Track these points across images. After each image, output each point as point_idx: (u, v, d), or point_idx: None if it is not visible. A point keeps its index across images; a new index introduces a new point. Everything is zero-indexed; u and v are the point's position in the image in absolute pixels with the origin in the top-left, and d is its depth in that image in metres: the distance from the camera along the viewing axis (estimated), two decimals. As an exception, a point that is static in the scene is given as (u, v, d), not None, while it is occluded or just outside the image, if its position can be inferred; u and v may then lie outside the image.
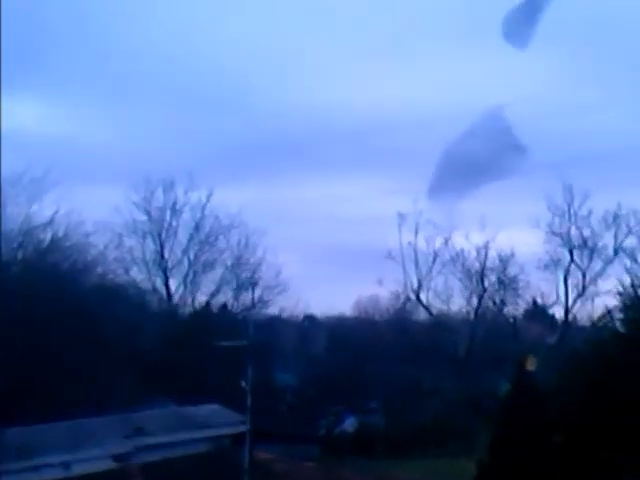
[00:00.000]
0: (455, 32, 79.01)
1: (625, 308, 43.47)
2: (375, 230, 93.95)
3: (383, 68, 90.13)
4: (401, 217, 67.59)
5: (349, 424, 61.21)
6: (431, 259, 69.03)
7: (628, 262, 61.53)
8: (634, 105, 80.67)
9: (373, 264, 71.29)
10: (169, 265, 68.02)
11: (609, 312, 55.56)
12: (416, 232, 68.21)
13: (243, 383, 55.87)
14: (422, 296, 70.22)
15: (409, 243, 68.40)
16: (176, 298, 68.49)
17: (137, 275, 67.74)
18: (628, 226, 65.62)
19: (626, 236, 65.63)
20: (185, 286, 68.16)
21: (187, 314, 68.39)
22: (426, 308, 70.79)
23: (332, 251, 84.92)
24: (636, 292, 42.37)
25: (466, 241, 68.21)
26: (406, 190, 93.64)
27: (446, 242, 68.60)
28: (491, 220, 65.97)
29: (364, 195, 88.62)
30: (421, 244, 68.74)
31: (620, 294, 43.49)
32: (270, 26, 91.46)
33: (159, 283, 68.25)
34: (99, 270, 63.54)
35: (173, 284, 68.57)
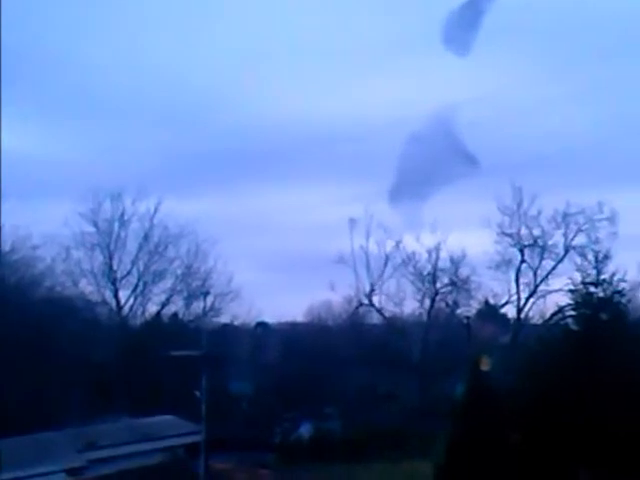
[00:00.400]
0: (403, 40, 79.19)
1: (577, 305, 43.62)
2: (326, 236, 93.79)
3: (332, 79, 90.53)
4: (352, 222, 67.61)
5: (305, 430, 60.98)
6: (383, 263, 69.04)
7: (578, 260, 61.74)
8: (581, 106, 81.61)
9: (325, 270, 71.01)
10: (118, 276, 67.43)
11: (561, 310, 55.93)
12: (367, 236, 68.34)
13: (197, 393, 55.68)
14: (375, 300, 70.29)
15: (360, 247, 68.47)
16: (126, 309, 68.02)
17: (86, 287, 67.21)
18: (577, 224, 66.12)
19: (576, 234, 66.15)
20: (135, 297, 67.74)
21: (138, 325, 68.06)
22: (379, 311, 70.81)
23: (284, 258, 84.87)
24: (587, 289, 42.48)
25: (417, 243, 68.34)
26: (357, 196, 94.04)
27: (397, 245, 68.73)
28: (442, 222, 66.10)
29: (315, 202, 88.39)
30: (372, 248, 68.80)
31: (571, 292, 43.62)
32: (224, 35, 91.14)
33: (109, 295, 67.72)
34: (47, 283, 63.15)
35: (123, 295, 68.10)
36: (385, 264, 68.98)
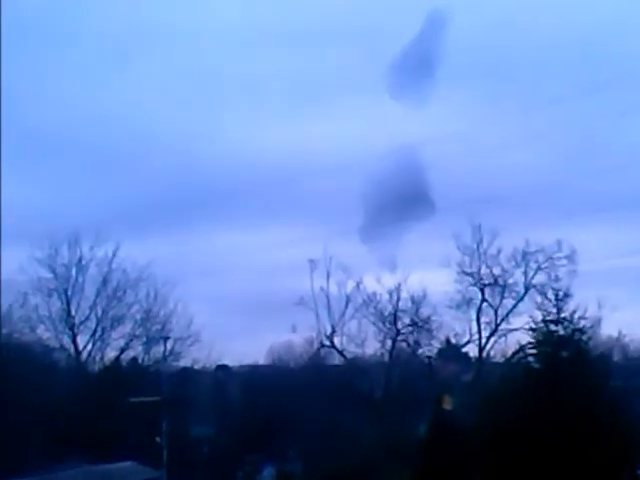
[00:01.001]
0: (362, 79, 79.59)
1: (538, 344, 43.65)
2: (286, 277, 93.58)
3: (291, 118, 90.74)
4: (312, 263, 67.41)
5: (267, 473, 60.51)
6: (344, 304, 68.78)
7: (539, 298, 61.78)
8: (538, 146, 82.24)
9: (286, 311, 70.64)
10: (77, 321, 67.02)
11: (522, 348, 55.93)
12: (327, 277, 68.07)
13: (158, 438, 55.18)
14: (336, 341, 69.91)
15: (321, 289, 68.17)
16: (85, 355, 67.49)
17: (44, 333, 66.80)
18: (537, 263, 66.28)
19: (535, 273, 66.29)
20: (94, 342, 67.28)
21: (97, 370, 67.46)
22: (340, 353, 70.45)
23: (244, 300, 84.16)
24: (548, 327, 42.53)
25: (378, 284, 68.16)
26: (316, 237, 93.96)
27: (358, 286, 68.49)
28: (402, 262, 66.04)
29: (273, 243, 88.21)
30: (333, 289, 68.53)
31: (532, 330, 43.66)
32: (173, 78, 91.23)
33: (67, 340, 67.29)
34: (5, 330, 62.47)
35: (81, 341, 67.60)
36: (346, 305, 68.74)
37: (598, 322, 58.90)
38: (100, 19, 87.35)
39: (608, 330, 66.58)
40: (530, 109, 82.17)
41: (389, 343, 69.14)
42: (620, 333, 69.77)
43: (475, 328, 68.13)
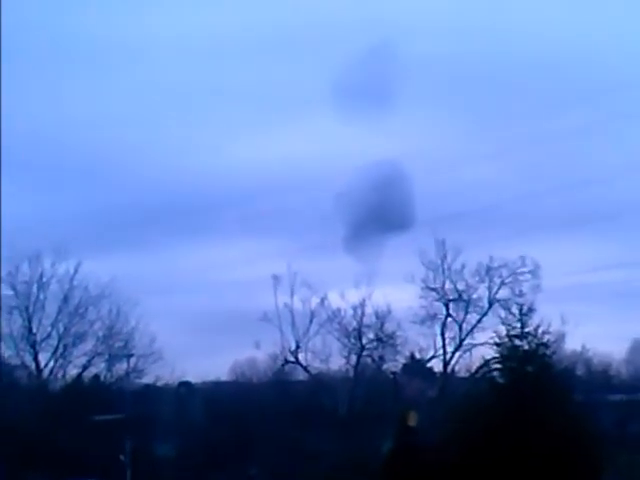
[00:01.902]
0: (322, 93, 79.54)
1: (502, 358, 43.56)
2: (250, 293, 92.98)
3: (252, 132, 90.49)
4: (275, 279, 67.26)
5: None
6: (308, 319, 68.62)
7: (503, 313, 61.85)
8: (501, 162, 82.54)
9: (249, 327, 70.28)
10: (38, 339, 66.57)
11: (487, 363, 55.88)
12: (292, 293, 67.92)
13: (122, 457, 54.71)
14: (300, 357, 69.72)
15: (285, 305, 67.99)
16: (46, 372, 66.98)
17: (4, 351, 66.37)
18: (501, 278, 66.51)
19: (499, 288, 66.51)
20: (55, 360, 66.84)
21: (58, 388, 66.99)
22: (305, 368, 70.27)
23: (207, 316, 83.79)
24: (512, 342, 42.49)
25: (342, 300, 68.10)
26: (279, 253, 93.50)
27: (322, 302, 68.38)
28: (366, 277, 65.91)
29: (236, 259, 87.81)
30: (297, 305, 68.35)
31: (497, 345, 43.58)
32: (136, 92, 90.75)
33: (28, 358, 66.73)
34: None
35: (43, 358, 67.13)
36: (310, 321, 68.61)
37: (562, 337, 59.13)
38: (68, 29, 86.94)
39: (572, 345, 67.01)
40: (492, 125, 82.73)
41: (354, 359, 69.07)
42: (583, 347, 70.18)
43: (440, 343, 68.31)
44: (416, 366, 71.47)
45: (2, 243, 64.98)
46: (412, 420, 37.03)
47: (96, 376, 68.65)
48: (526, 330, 42.14)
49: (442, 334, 67.99)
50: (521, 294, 64.12)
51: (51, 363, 67.07)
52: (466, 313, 67.54)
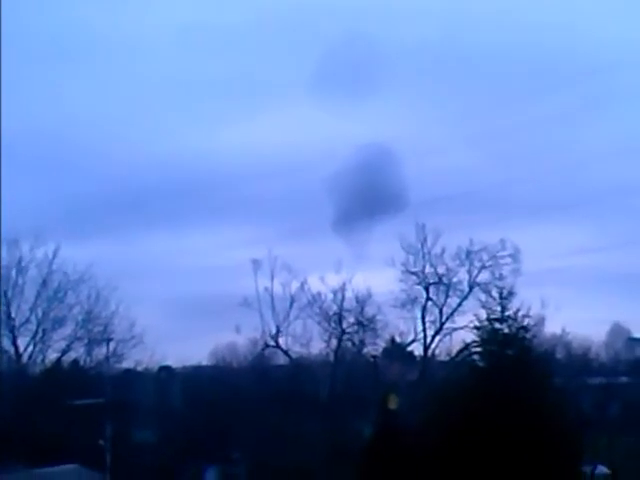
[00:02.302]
0: (306, 79, 79.58)
1: (482, 342, 43.83)
2: (230, 278, 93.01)
3: (230, 118, 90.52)
4: (255, 263, 67.03)
5: (210, 476, 60.08)
6: (288, 304, 68.42)
7: (483, 297, 61.98)
8: (480, 147, 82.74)
9: (230, 312, 70.10)
10: (17, 323, 65.93)
11: (467, 346, 56.14)
12: (272, 278, 67.61)
13: (101, 441, 54.53)
14: (281, 341, 69.51)
15: (265, 289, 67.74)
16: (25, 357, 66.53)
17: (-17, 336, 65.43)
18: (481, 261, 66.36)
19: (479, 271, 66.35)
20: (34, 344, 66.20)
21: (38, 373, 66.66)
22: (285, 353, 70.11)
23: (187, 301, 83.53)
24: (492, 326, 42.69)
25: (322, 284, 67.91)
26: (260, 238, 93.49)
27: (302, 286, 68.09)
28: (347, 261, 65.89)
29: (217, 244, 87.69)
30: (277, 289, 68.15)
31: (477, 328, 43.83)
32: (116, 73, 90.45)
33: (7, 342, 66.09)
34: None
35: (22, 343, 66.52)
36: (290, 305, 68.33)
37: (542, 320, 59.12)
38: (41, 22, 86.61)
39: (551, 328, 67.01)
40: (472, 111, 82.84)
41: (334, 343, 68.92)
42: (563, 331, 70.24)
43: (420, 327, 68.08)
44: (396, 350, 71.46)
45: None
46: (393, 403, 37.17)
47: (75, 361, 68.25)
48: (506, 314, 42.51)
49: (422, 318, 67.91)
50: (501, 278, 64.11)
51: (30, 348, 66.48)
52: (446, 297, 67.46)
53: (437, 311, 67.67)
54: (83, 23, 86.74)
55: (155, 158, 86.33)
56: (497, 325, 42.17)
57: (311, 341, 69.27)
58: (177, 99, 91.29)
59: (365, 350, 69.78)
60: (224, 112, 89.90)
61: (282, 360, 71.82)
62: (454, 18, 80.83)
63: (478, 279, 66.27)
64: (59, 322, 66.83)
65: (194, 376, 76.85)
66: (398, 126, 78.40)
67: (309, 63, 76.15)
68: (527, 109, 78.75)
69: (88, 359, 67.72)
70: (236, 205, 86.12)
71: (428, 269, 67.30)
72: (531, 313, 44.77)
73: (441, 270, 67.16)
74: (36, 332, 66.28)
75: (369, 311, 68.22)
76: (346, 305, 68.26)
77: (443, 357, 67.26)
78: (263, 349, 70.91)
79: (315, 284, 68.06)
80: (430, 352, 68.28)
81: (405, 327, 68.80)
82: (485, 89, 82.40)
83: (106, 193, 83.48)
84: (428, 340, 68.04)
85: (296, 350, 69.86)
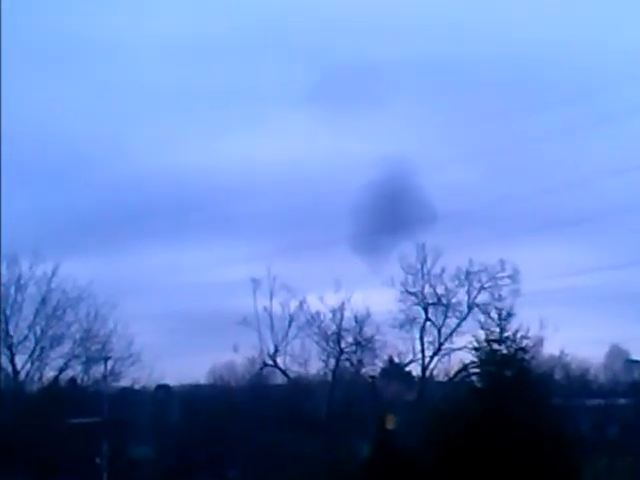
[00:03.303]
0: (303, 96, 79.84)
1: (481, 363, 43.74)
2: (229, 296, 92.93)
3: (228, 134, 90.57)
4: (254, 282, 66.98)
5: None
6: (287, 323, 68.35)
7: (482, 317, 62.08)
8: (479, 165, 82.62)
9: (228, 331, 69.98)
10: (15, 341, 65.85)
11: (465, 367, 56.08)
12: (271, 297, 67.58)
13: (98, 460, 54.46)
14: (279, 360, 69.39)
15: (264, 308, 67.70)
16: (23, 375, 66.38)
17: (-19, 354, 65.33)
18: (480, 282, 66.35)
19: (479, 292, 66.32)
20: (32, 362, 66.10)
21: (35, 391, 66.50)
22: (283, 372, 70.03)
23: (185, 319, 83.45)
24: (491, 347, 42.60)
25: (321, 303, 67.84)
26: (258, 256, 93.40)
27: (301, 305, 68.07)
28: (346, 281, 65.85)
29: (216, 262, 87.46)
30: (276, 308, 68.07)
31: (475, 349, 43.72)
32: (108, 91, 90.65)
33: (4, 360, 65.95)
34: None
35: (20, 360, 66.33)
36: (289, 324, 68.28)
37: (540, 341, 59.19)
38: (40, 33, 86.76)
39: (550, 349, 67.00)
40: (471, 128, 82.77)
41: (332, 362, 68.84)
42: (562, 352, 70.26)
43: (418, 347, 68.05)
44: (395, 370, 71.39)
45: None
46: (390, 423, 37.13)
47: (73, 379, 68.18)
48: (505, 335, 42.39)
49: (421, 338, 67.84)
50: (500, 298, 64.20)
51: (28, 365, 66.36)
52: (445, 317, 67.42)
53: (436, 331, 67.64)
54: (84, 35, 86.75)
55: (154, 173, 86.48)
56: (496, 346, 42.05)
57: (309, 360, 69.23)
58: (178, 113, 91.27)
59: (363, 370, 69.69)
60: (223, 127, 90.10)
61: (280, 379, 71.76)
62: (453, 34, 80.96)
63: (477, 300, 66.27)
64: (57, 340, 66.68)
65: (192, 395, 76.51)
66: (397, 143, 78.44)
67: (309, 79, 76.35)
68: (527, 125, 78.59)
69: (86, 377, 67.61)
70: (235, 221, 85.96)
71: (427, 289, 67.29)
72: (530, 334, 44.61)
73: (440, 290, 67.18)
74: (34, 350, 66.12)
75: (368, 331, 68.18)
76: (345, 325, 68.22)
77: (441, 377, 67.17)
78: (261, 368, 70.81)
79: (314, 303, 67.97)
80: (428, 372, 68.20)
81: (404, 347, 68.75)
82: (484, 105, 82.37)
83: (106, 210, 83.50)
84: (426, 360, 68.01)
85: (294, 369, 69.83)
